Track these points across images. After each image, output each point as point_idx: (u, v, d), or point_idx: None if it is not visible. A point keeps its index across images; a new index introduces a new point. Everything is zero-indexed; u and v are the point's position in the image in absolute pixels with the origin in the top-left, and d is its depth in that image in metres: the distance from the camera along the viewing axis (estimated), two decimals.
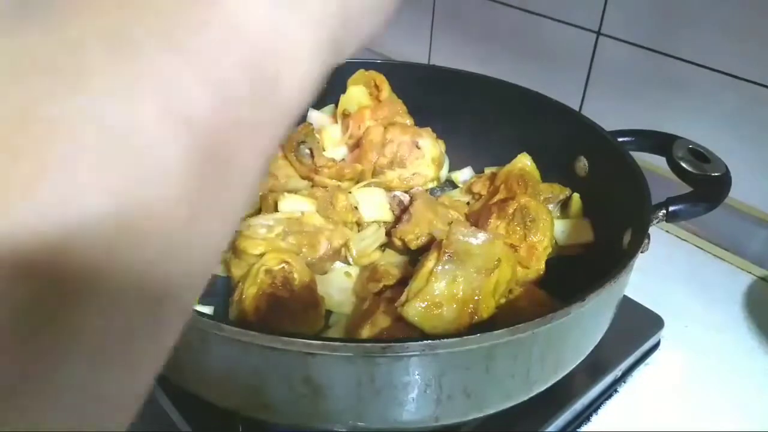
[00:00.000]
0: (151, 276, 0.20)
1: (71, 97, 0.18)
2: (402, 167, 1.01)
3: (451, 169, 1.10)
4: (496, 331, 0.54)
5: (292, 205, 0.88)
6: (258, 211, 0.91)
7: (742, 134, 1.02)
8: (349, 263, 0.88)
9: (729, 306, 0.96)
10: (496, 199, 0.90)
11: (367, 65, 1.11)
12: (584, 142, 0.93)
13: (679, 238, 1.11)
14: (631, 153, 0.83)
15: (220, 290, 0.86)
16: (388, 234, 0.90)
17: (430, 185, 1.04)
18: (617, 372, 0.81)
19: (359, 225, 0.93)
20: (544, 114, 0.98)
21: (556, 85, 1.11)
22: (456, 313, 0.65)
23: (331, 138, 1.09)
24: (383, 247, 0.90)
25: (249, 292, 0.75)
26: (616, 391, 0.81)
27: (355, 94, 1.09)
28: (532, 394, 0.64)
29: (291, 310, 0.75)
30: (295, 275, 0.78)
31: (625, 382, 0.82)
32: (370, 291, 0.78)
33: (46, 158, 0.17)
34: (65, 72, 0.18)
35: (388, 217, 0.95)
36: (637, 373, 0.84)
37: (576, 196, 0.93)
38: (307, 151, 1.00)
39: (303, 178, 0.98)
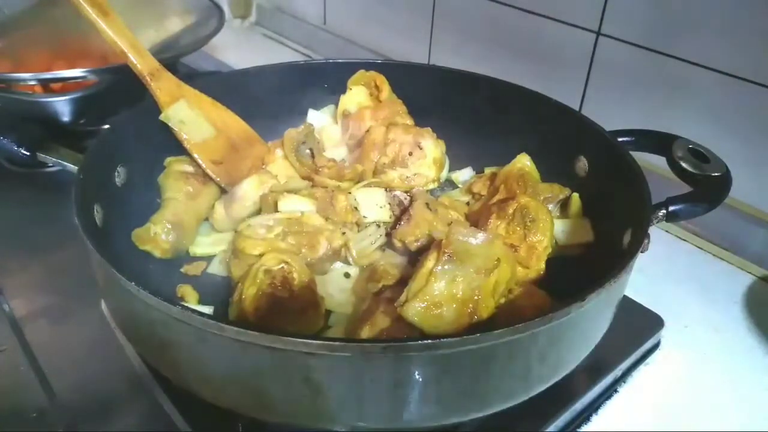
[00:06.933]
0: None
1: None
2: (403, 167, 1.01)
3: (452, 169, 1.10)
4: (496, 331, 0.54)
5: (292, 205, 0.88)
6: (258, 211, 0.91)
7: (742, 134, 1.02)
8: (349, 263, 0.88)
9: (729, 306, 0.96)
10: (496, 199, 0.90)
11: (367, 65, 1.11)
12: (584, 142, 0.93)
13: (679, 238, 1.11)
14: (631, 153, 0.83)
15: (220, 290, 0.86)
16: (388, 235, 0.90)
17: (431, 186, 1.04)
18: (617, 372, 0.81)
19: (359, 225, 0.93)
20: (544, 114, 0.98)
21: (556, 85, 1.11)
22: (456, 313, 0.65)
23: (331, 138, 1.09)
24: (383, 247, 0.90)
25: (249, 293, 0.75)
26: (616, 391, 0.81)
27: (356, 94, 1.09)
28: (532, 394, 0.64)
29: (291, 310, 0.75)
30: (295, 275, 0.78)
31: (625, 382, 0.82)
32: (369, 291, 0.78)
33: None
34: None
35: (388, 217, 0.95)
36: (637, 373, 0.84)
37: (576, 196, 0.93)
38: (308, 151, 1.00)
39: (303, 178, 0.98)
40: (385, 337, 0.68)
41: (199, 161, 0.95)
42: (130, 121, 0.90)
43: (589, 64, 1.20)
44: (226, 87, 1.04)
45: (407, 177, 1.02)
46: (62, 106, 1.12)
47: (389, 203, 0.96)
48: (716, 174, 0.80)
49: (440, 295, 0.65)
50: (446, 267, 0.66)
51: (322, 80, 1.12)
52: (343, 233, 0.87)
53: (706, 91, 1.04)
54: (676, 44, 1.06)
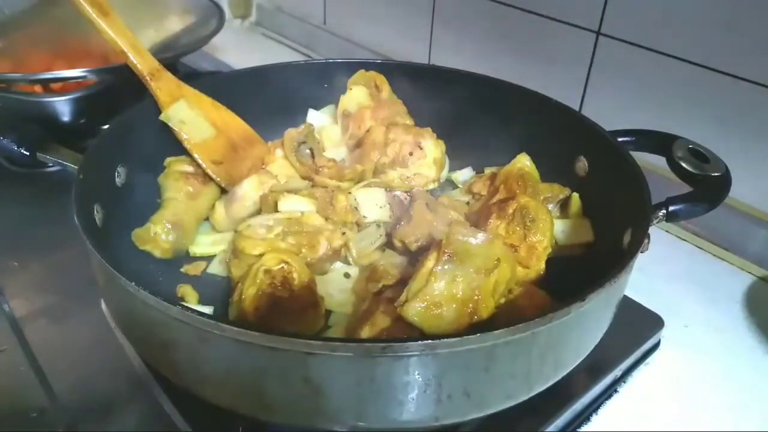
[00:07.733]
0: None
1: None
2: (404, 167, 1.01)
3: (452, 169, 1.10)
4: (496, 331, 0.54)
5: (292, 205, 0.88)
6: (258, 211, 0.91)
7: (742, 134, 1.02)
8: (349, 263, 0.88)
9: (729, 306, 0.96)
10: (495, 199, 0.90)
11: (368, 65, 1.11)
12: (584, 142, 0.93)
13: (679, 238, 1.11)
14: (631, 153, 0.83)
15: (220, 290, 0.86)
16: (388, 235, 0.90)
17: (431, 186, 1.04)
18: (617, 372, 0.81)
19: (359, 225, 0.93)
20: (544, 114, 0.98)
21: (556, 85, 1.11)
22: (455, 313, 0.65)
23: (331, 138, 1.09)
24: (383, 247, 0.90)
25: (248, 293, 0.75)
26: (616, 391, 0.81)
27: (356, 94, 1.09)
28: (532, 394, 0.64)
29: (290, 310, 0.75)
30: (295, 275, 0.78)
31: (625, 382, 0.82)
32: (369, 291, 0.78)
33: None
34: None
35: (388, 217, 0.95)
36: (637, 373, 0.84)
37: (576, 196, 0.93)
38: (308, 151, 1.00)
39: (303, 178, 0.98)
40: (385, 337, 0.68)
41: (199, 161, 0.95)
42: (130, 121, 0.90)
43: (589, 64, 1.20)
44: (226, 87, 1.04)
45: (407, 177, 1.02)
46: (62, 106, 1.12)
47: (389, 203, 0.96)
48: (716, 174, 0.80)
49: (440, 295, 0.65)
50: (446, 267, 0.66)
51: (322, 80, 1.12)
52: (343, 233, 0.87)
53: (706, 91, 1.04)
54: (677, 44, 1.06)
